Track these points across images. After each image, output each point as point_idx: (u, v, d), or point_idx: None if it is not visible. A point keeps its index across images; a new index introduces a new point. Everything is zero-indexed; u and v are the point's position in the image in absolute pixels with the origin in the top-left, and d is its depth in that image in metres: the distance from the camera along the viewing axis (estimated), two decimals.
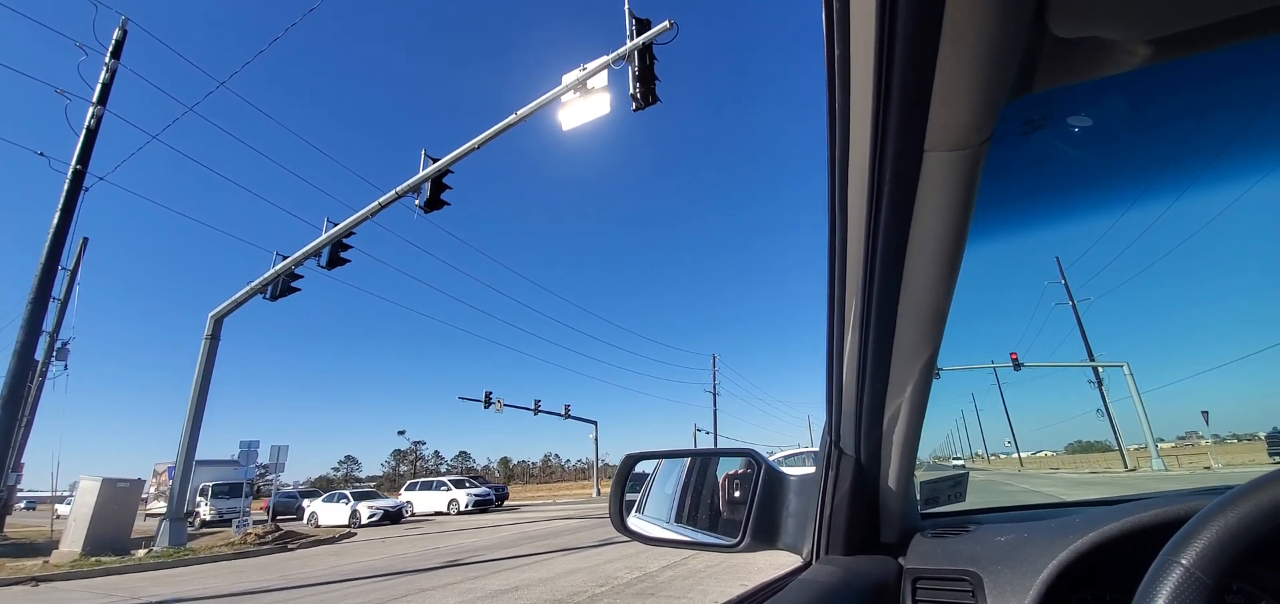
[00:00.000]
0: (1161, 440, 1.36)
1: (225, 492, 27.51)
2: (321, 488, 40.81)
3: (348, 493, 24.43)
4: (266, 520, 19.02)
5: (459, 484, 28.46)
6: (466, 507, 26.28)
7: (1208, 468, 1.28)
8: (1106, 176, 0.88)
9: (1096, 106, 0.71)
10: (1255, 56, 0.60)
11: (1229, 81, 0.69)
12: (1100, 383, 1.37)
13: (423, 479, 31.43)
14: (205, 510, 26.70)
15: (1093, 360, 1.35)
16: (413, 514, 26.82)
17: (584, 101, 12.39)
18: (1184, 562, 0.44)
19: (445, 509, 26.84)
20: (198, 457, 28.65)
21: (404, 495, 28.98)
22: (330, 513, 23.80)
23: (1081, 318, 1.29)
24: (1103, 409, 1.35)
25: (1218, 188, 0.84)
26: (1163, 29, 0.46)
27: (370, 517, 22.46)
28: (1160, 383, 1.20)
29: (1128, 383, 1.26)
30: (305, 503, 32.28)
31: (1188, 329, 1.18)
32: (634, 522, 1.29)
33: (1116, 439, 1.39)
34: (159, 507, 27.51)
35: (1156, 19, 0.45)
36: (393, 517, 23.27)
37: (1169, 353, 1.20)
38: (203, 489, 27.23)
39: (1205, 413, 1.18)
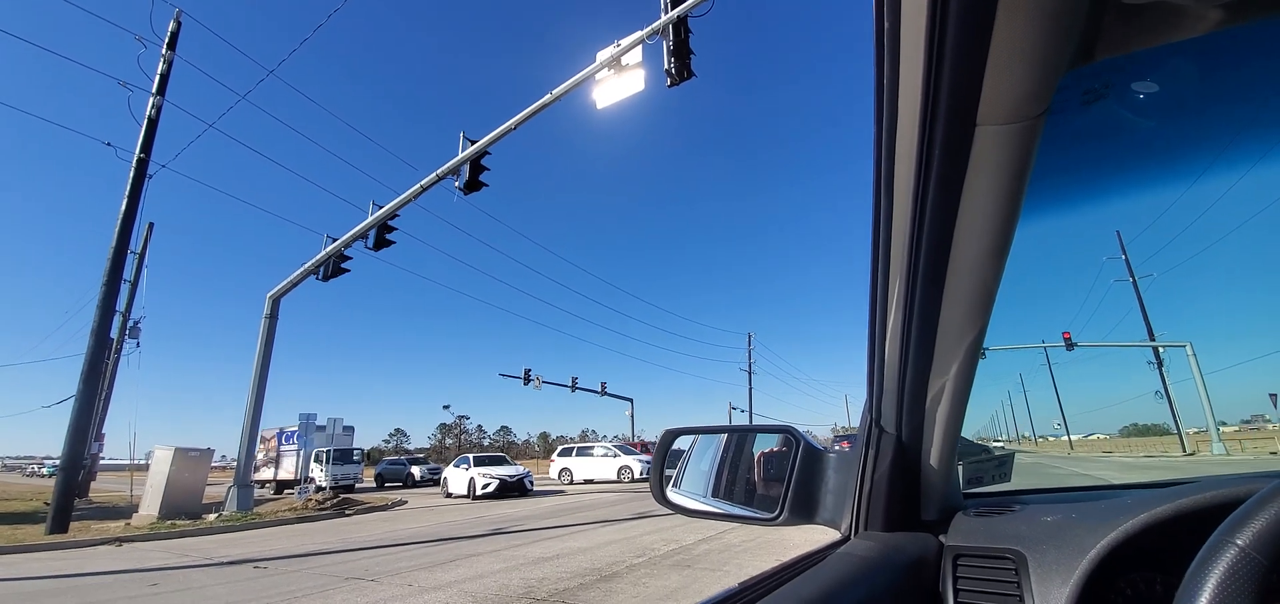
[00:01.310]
0: (1224, 424, 1.29)
1: (340, 458, 25.96)
2: (376, 458, 41.65)
3: (470, 458, 22.30)
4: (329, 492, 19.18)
5: (626, 451, 25.59)
6: (641, 475, 23.37)
7: (1275, 453, 1.22)
8: (1173, 148, 0.83)
9: (1163, 73, 0.66)
10: None
11: None
12: (1161, 363, 1.31)
13: (581, 445, 28.25)
14: (321, 477, 24.71)
15: (1153, 340, 1.29)
16: (572, 481, 24.43)
17: (618, 79, 12.29)
18: (1239, 542, 0.43)
19: (616, 477, 24.18)
20: (316, 422, 28.12)
21: (559, 461, 26.82)
22: (457, 480, 21.81)
23: (1142, 295, 1.23)
24: (1161, 391, 1.30)
25: None
26: None
27: (484, 487, 19.43)
28: (1225, 364, 1.14)
29: (1190, 363, 1.20)
30: (414, 469, 31.29)
31: (1256, 308, 1.11)
32: (673, 495, 1.32)
33: (1175, 422, 1.33)
34: (267, 473, 27.14)
35: None
36: (513, 487, 19.75)
37: (1235, 333, 1.14)
38: (319, 455, 25.78)
39: (1274, 395, 1.12)
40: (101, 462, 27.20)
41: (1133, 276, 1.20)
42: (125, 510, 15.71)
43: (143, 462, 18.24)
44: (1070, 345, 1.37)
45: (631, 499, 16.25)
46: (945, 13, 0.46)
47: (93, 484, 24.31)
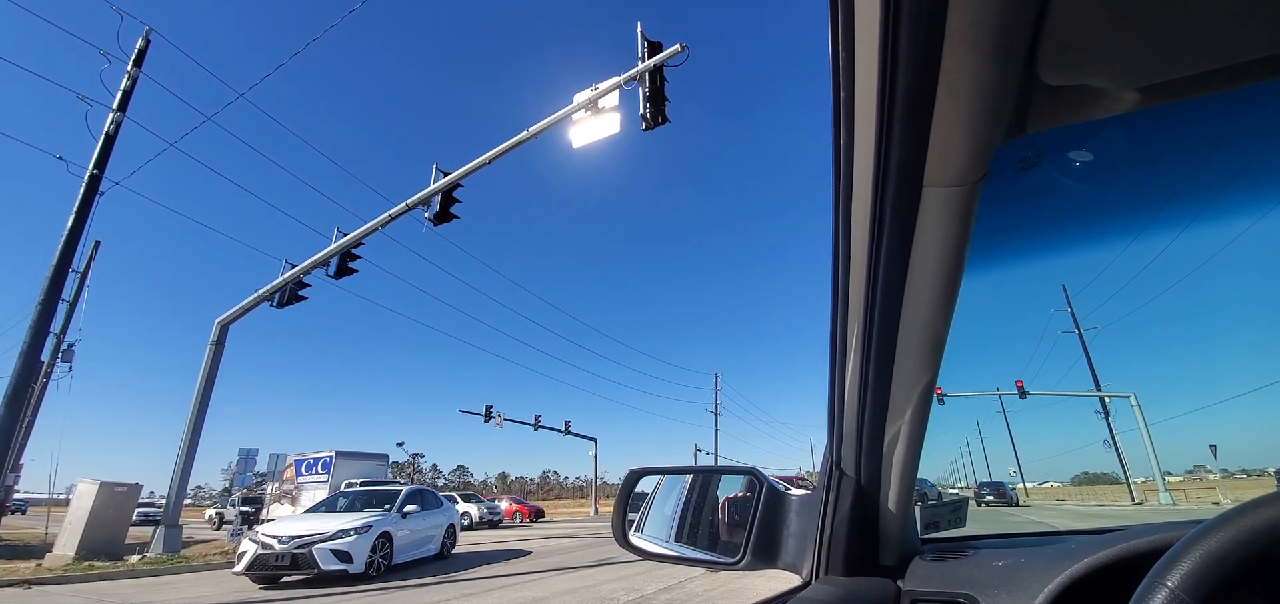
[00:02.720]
0: (1169, 474, 1.35)
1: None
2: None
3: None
4: None
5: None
6: None
7: (1217, 503, 1.26)
8: (1110, 208, 0.90)
9: (1095, 144, 0.75)
10: (1253, 98, 0.62)
11: (1229, 120, 0.72)
12: (1107, 413, 1.36)
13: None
14: None
15: (1099, 390, 1.35)
16: None
17: (595, 120, 12.54)
18: (1170, 583, 0.45)
19: None
20: (341, 447, 23.56)
21: None
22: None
23: (1088, 346, 1.29)
24: (1109, 440, 1.35)
25: (1225, 220, 0.85)
26: (1149, 78, 0.49)
27: (236, 561, 10.27)
28: (1168, 414, 1.19)
29: (1135, 414, 1.25)
30: (470, 508, 26.51)
31: (1195, 361, 1.18)
32: (635, 538, 1.28)
33: (1123, 471, 1.38)
34: (282, 510, 21.51)
35: (1143, 69, 0.48)
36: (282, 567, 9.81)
37: (1176, 384, 1.20)
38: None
39: (1213, 446, 1.18)
40: (16, 495, 24.45)
41: (1078, 328, 1.26)
42: (39, 550, 14.40)
43: (63, 495, 16.79)
44: (1023, 393, 1.41)
45: (591, 545, 15.80)
46: (893, 90, 0.51)
47: (4, 519, 22.17)
